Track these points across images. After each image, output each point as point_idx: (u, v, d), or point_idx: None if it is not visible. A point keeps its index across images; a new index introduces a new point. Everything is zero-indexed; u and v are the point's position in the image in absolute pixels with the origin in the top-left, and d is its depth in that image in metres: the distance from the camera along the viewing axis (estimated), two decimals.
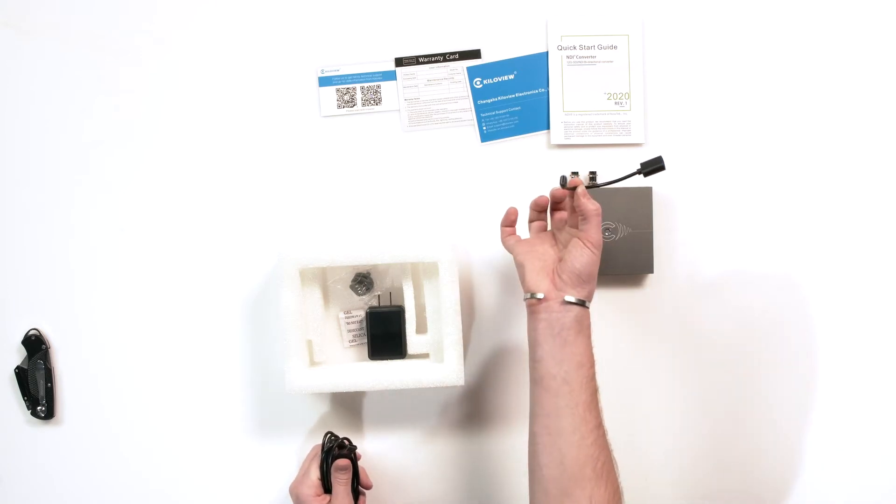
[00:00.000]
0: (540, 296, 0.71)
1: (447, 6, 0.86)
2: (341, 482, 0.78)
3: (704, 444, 0.89)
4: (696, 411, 0.89)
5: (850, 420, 0.89)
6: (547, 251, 0.75)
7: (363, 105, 0.87)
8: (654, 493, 0.89)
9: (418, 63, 0.87)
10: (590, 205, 0.70)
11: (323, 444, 0.81)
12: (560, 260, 0.72)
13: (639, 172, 0.75)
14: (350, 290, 0.87)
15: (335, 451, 0.80)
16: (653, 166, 0.74)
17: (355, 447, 0.82)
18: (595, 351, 0.71)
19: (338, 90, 0.87)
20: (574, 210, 0.73)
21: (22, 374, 0.87)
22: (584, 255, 0.70)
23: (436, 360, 0.86)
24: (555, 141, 0.87)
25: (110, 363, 0.88)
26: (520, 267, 0.74)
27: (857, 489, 0.90)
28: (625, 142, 0.87)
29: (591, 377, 0.69)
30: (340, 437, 0.82)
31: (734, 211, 0.88)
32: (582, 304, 0.70)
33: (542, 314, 0.71)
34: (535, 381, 0.71)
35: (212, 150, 0.87)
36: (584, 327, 0.70)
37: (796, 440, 0.89)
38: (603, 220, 0.84)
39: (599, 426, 0.68)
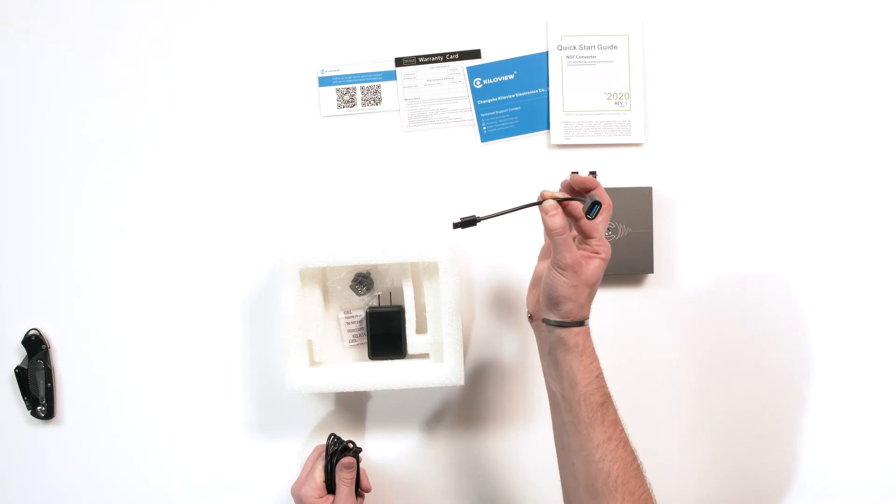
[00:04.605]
0: (528, 314, 0.73)
1: (447, 6, 0.86)
2: (346, 482, 0.78)
3: (704, 443, 0.89)
4: (695, 411, 0.89)
5: (849, 420, 0.89)
6: (543, 268, 0.72)
7: (363, 105, 0.87)
8: (654, 492, 0.89)
9: (418, 63, 0.87)
10: (549, 221, 0.64)
11: (327, 447, 0.81)
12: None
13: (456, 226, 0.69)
14: (350, 290, 0.87)
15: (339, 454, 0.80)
16: (468, 223, 0.69)
17: (360, 449, 0.82)
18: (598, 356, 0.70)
19: (338, 90, 0.87)
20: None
21: (22, 374, 0.87)
22: (551, 277, 0.66)
23: (436, 360, 0.86)
24: (555, 141, 0.87)
25: (110, 363, 0.88)
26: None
27: (856, 490, 0.90)
28: (625, 142, 0.87)
29: (590, 394, 0.66)
30: (345, 439, 0.82)
31: (734, 211, 0.88)
32: (561, 325, 0.67)
33: (536, 332, 0.73)
34: (548, 398, 0.72)
35: (212, 150, 0.87)
36: (571, 346, 0.67)
37: (796, 441, 0.89)
38: None
39: (609, 440, 0.66)
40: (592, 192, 0.68)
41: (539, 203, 0.66)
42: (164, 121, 0.87)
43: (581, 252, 0.67)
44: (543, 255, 0.75)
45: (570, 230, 0.67)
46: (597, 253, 0.67)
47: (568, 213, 0.67)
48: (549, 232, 0.65)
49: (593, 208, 0.65)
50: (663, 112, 0.87)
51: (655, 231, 0.86)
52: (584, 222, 0.67)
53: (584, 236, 0.68)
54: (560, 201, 0.66)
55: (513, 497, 0.89)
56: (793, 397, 0.89)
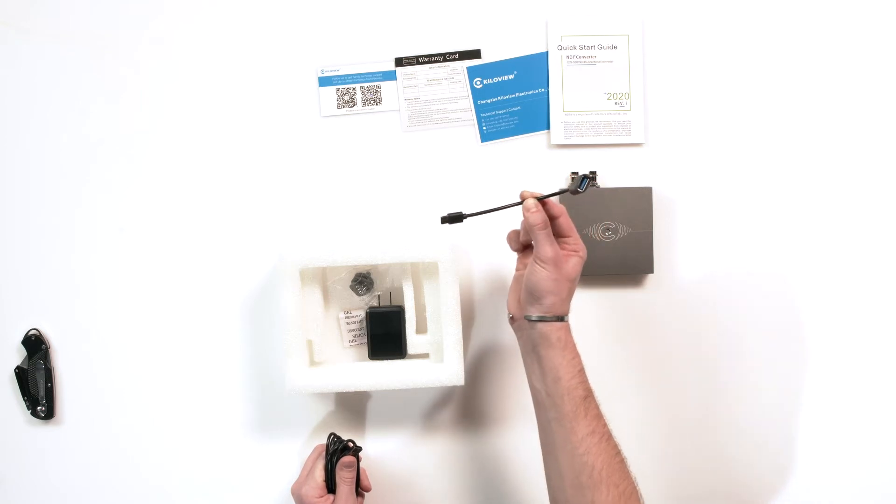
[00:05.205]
0: (510, 315, 0.75)
1: (447, 6, 0.86)
2: (346, 481, 0.78)
3: (703, 442, 0.89)
4: (695, 410, 0.89)
5: (849, 420, 0.89)
6: (522, 273, 0.76)
7: (363, 105, 0.87)
8: (649, 490, 0.89)
9: (418, 63, 0.87)
10: (530, 218, 0.69)
11: (327, 446, 0.81)
12: None
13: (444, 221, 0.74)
14: (350, 290, 0.87)
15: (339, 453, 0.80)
16: (454, 219, 0.74)
17: (360, 448, 0.82)
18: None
19: (338, 90, 0.87)
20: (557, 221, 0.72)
21: (22, 374, 0.87)
22: (532, 271, 0.70)
23: (436, 360, 0.86)
24: (555, 141, 0.87)
25: (110, 363, 0.88)
26: None
27: (850, 490, 0.90)
28: (625, 142, 0.87)
29: (573, 388, 0.68)
30: (345, 439, 0.82)
31: (734, 211, 0.88)
32: (542, 319, 0.70)
33: (517, 332, 0.75)
34: (531, 397, 0.73)
35: (212, 150, 0.87)
36: (553, 342, 0.69)
37: (796, 440, 0.89)
38: (603, 220, 0.85)
39: (593, 433, 0.67)
40: (584, 173, 0.74)
41: (521, 202, 0.71)
42: (164, 121, 0.87)
43: (560, 250, 0.71)
44: (521, 265, 0.78)
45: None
46: (575, 251, 0.72)
47: (546, 212, 0.71)
48: (530, 227, 0.69)
49: (583, 182, 0.70)
50: (663, 112, 0.87)
51: (655, 231, 0.86)
52: (562, 221, 0.71)
53: (562, 235, 0.72)
54: (540, 199, 0.70)
55: (513, 496, 0.89)
56: (793, 397, 0.89)
